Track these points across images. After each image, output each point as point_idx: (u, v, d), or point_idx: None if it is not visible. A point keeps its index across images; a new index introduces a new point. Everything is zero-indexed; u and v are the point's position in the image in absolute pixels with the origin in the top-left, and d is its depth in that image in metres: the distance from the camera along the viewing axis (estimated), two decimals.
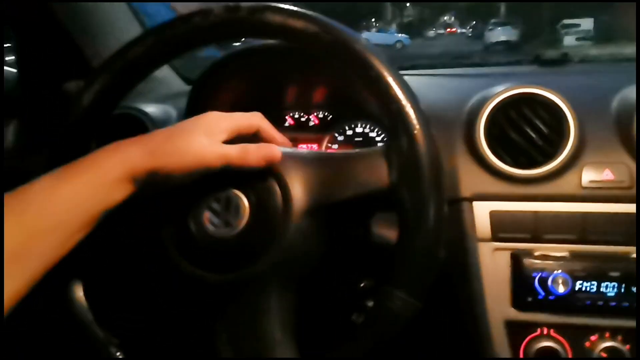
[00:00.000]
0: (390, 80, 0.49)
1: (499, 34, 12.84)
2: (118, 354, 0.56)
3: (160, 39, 0.55)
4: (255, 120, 0.57)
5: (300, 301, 0.57)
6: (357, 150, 0.55)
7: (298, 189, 0.52)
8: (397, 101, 0.49)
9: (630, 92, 0.76)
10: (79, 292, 0.57)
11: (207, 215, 0.52)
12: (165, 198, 0.54)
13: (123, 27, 0.93)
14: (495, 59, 1.17)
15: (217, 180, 0.53)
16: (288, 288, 0.54)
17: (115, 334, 0.57)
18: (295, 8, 0.51)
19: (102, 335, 0.57)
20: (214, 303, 0.55)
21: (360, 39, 0.51)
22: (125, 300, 0.64)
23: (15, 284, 0.42)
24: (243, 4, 0.52)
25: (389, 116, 0.50)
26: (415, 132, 0.49)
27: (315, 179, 0.53)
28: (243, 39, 0.65)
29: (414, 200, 0.49)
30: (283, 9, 0.51)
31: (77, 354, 0.59)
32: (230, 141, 0.53)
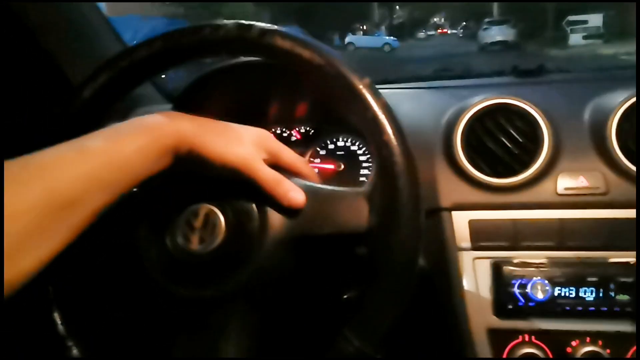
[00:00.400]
0: (385, 124, 0.50)
1: (495, 34, 12.02)
2: (75, 351, 0.56)
3: (167, 45, 0.55)
4: (297, 161, 0.59)
5: (276, 317, 0.57)
6: (342, 189, 0.56)
7: (276, 218, 0.53)
8: (388, 148, 0.49)
9: (603, 100, 0.78)
10: (48, 289, 0.56)
11: (183, 228, 0.53)
12: (145, 204, 0.54)
13: (104, 46, 0.93)
14: (475, 70, 1.19)
15: (198, 194, 0.53)
16: (253, 309, 0.54)
17: (77, 333, 0.57)
18: (303, 37, 0.52)
19: (64, 332, 0.56)
20: (178, 316, 0.55)
21: (363, 78, 0.51)
22: (91, 299, 0.64)
23: (63, 233, 0.41)
24: (256, 24, 0.52)
25: (378, 158, 0.50)
26: (402, 184, 0.49)
27: (296, 210, 0.54)
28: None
29: (388, 250, 0.49)
30: (291, 35, 0.52)
31: (34, 349, 0.58)
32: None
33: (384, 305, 0.49)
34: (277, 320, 0.63)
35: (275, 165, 0.55)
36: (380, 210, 0.51)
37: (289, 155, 0.57)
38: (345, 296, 0.77)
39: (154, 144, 0.46)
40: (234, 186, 0.53)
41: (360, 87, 0.51)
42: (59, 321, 0.56)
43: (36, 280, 0.55)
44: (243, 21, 0.53)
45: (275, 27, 0.53)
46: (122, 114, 0.90)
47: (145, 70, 0.57)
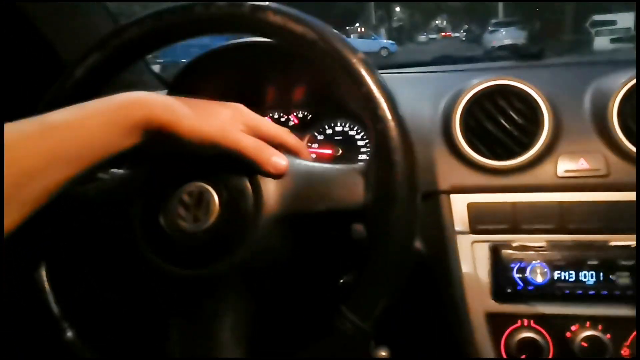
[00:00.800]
0: (380, 99, 0.49)
1: (503, 37, 11.08)
2: (69, 333, 0.55)
3: (158, 24, 0.54)
4: (279, 131, 0.57)
5: (272, 300, 0.56)
6: (337, 165, 0.55)
7: (271, 195, 0.52)
8: (383, 122, 0.49)
9: (604, 82, 0.76)
10: (41, 270, 0.56)
11: (177, 207, 0.52)
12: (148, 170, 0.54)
13: (98, 25, 0.92)
14: (474, 55, 1.18)
15: (192, 173, 0.53)
16: (248, 291, 0.54)
17: (71, 314, 0.56)
18: (296, 12, 0.51)
19: (57, 313, 0.56)
20: (172, 297, 0.54)
21: (357, 53, 0.50)
22: (85, 280, 0.64)
23: (23, 204, 0.41)
24: (248, 1, 0.52)
25: (374, 134, 0.50)
26: (397, 158, 0.48)
27: (290, 188, 0.53)
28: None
29: (383, 227, 0.48)
30: (284, 11, 0.51)
31: (28, 331, 0.58)
32: None
33: (380, 282, 0.48)
34: (272, 302, 0.62)
35: (256, 137, 0.54)
36: (376, 185, 0.50)
37: (268, 126, 0.56)
38: (341, 280, 0.76)
39: (119, 120, 0.46)
40: (228, 164, 0.53)
41: (355, 61, 0.50)
42: (53, 303, 0.56)
43: (31, 263, 0.55)
44: None
45: (267, 3, 0.52)
46: None
47: (136, 50, 0.56)
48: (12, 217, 0.41)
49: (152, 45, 0.57)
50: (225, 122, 0.51)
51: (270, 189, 0.52)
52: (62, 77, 0.56)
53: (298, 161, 0.56)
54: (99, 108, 0.46)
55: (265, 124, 0.56)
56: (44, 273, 0.56)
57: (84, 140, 0.44)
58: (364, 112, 0.50)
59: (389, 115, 0.48)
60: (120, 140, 0.46)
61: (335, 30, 0.52)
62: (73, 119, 0.44)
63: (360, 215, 0.51)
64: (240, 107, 0.55)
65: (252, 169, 0.52)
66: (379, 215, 0.48)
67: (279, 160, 0.52)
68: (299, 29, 0.50)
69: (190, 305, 0.53)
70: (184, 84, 0.90)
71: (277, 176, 0.52)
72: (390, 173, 0.48)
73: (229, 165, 0.53)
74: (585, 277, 0.70)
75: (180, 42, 0.57)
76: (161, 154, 0.53)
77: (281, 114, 0.99)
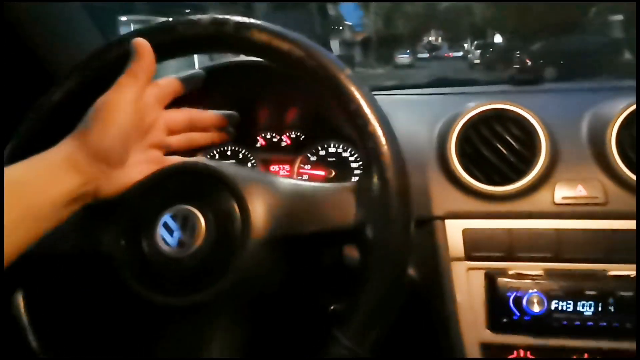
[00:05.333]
0: (369, 116, 0.48)
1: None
2: None
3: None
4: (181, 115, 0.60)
5: (260, 327, 0.54)
6: (327, 185, 0.53)
7: (259, 217, 0.50)
8: (374, 139, 0.48)
9: (602, 108, 0.76)
10: (19, 299, 0.54)
11: (160, 231, 0.50)
12: (119, 206, 0.52)
13: (85, 38, 0.91)
14: (471, 79, 1.18)
15: (176, 195, 0.51)
16: (236, 318, 0.52)
17: (51, 344, 0.54)
18: (281, 29, 0.51)
19: (35, 345, 0.53)
20: (156, 324, 0.52)
21: (344, 69, 0.49)
22: (66, 310, 0.61)
23: None
24: (231, 18, 0.51)
25: (365, 153, 0.49)
26: (389, 175, 0.47)
27: (280, 209, 0.51)
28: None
29: (375, 251, 0.47)
30: (269, 28, 0.50)
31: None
32: None
33: (375, 304, 0.46)
34: (262, 327, 0.59)
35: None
36: (367, 203, 0.48)
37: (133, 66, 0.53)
38: (332, 307, 0.74)
39: (47, 166, 0.47)
40: (213, 185, 0.51)
41: (342, 77, 0.49)
42: (31, 335, 0.54)
43: (7, 293, 0.53)
44: (218, 15, 0.51)
45: (252, 20, 0.51)
46: None
47: (118, 71, 0.54)
48: None
49: None
50: (108, 99, 0.51)
51: (259, 210, 0.50)
52: (41, 100, 0.55)
53: (287, 181, 0.54)
54: (29, 161, 0.47)
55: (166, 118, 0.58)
56: (21, 304, 0.54)
57: (29, 192, 0.45)
58: (354, 129, 0.49)
59: (379, 132, 0.48)
60: (57, 185, 0.47)
61: (321, 47, 0.51)
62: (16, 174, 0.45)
63: (352, 235, 0.49)
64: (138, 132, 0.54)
65: (238, 189, 0.50)
66: (372, 234, 0.47)
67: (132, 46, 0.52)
68: (284, 46, 0.50)
69: (176, 332, 0.50)
70: (175, 104, 0.88)
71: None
72: (383, 190, 0.47)
73: (215, 187, 0.51)
74: (583, 307, 0.68)
75: (164, 61, 0.56)
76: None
77: (274, 135, 0.98)
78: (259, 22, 0.51)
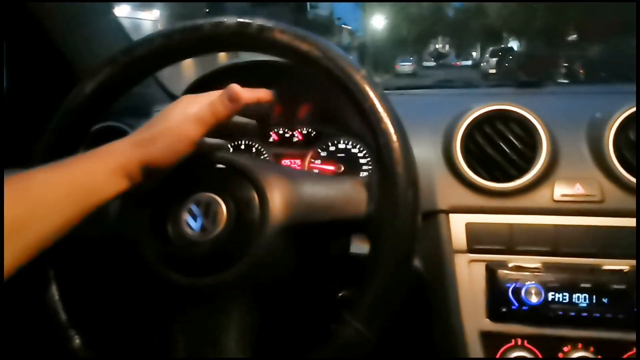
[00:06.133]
0: (382, 114, 0.51)
1: None
2: (77, 339, 0.56)
3: (168, 42, 0.56)
4: (227, 97, 0.57)
5: (272, 312, 0.57)
6: (340, 177, 0.57)
7: (277, 205, 0.54)
8: (386, 135, 0.50)
9: (602, 111, 0.78)
10: (50, 279, 0.57)
11: (185, 217, 0.54)
12: (150, 194, 0.55)
13: (111, 41, 0.95)
14: (476, 81, 1.21)
15: (200, 183, 0.54)
16: (252, 301, 0.55)
17: (78, 322, 0.57)
18: (302, 30, 0.53)
19: (65, 320, 0.56)
20: (177, 305, 0.55)
21: (360, 70, 0.52)
22: (91, 288, 0.64)
23: (10, 257, 0.42)
24: (256, 20, 0.54)
25: (376, 148, 0.51)
26: (399, 171, 0.50)
27: (296, 198, 0.55)
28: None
29: (385, 239, 0.50)
30: (290, 30, 0.53)
31: (34, 338, 0.58)
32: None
33: (384, 290, 0.49)
34: (275, 313, 0.63)
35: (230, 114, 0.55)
36: (378, 197, 0.52)
37: (221, 108, 0.54)
38: (340, 294, 0.78)
39: (100, 170, 0.48)
40: (235, 175, 0.54)
41: (358, 78, 0.52)
42: (61, 311, 0.56)
43: (39, 274, 0.56)
44: (243, 19, 0.54)
45: (274, 22, 0.54)
46: (130, 112, 0.92)
47: (146, 67, 0.58)
48: (8, 263, 0.42)
49: (162, 63, 0.59)
50: (179, 119, 0.53)
51: (277, 199, 0.54)
52: (72, 92, 0.57)
53: (303, 173, 0.57)
54: (75, 163, 0.48)
55: (210, 97, 0.56)
56: (53, 282, 0.57)
57: (67, 192, 0.46)
58: (367, 126, 0.52)
59: (391, 129, 0.50)
60: (103, 190, 0.48)
61: (339, 48, 0.54)
62: (54, 171, 0.47)
63: (362, 225, 0.53)
64: (184, 99, 0.56)
65: (258, 180, 0.53)
66: (381, 225, 0.50)
67: (230, 94, 0.53)
68: (304, 46, 0.53)
69: (195, 313, 0.54)
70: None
71: (236, 104, 0.54)
72: (393, 185, 0.50)
73: (236, 176, 0.54)
74: (578, 299, 0.71)
75: (190, 58, 0.59)
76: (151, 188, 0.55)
77: (285, 130, 1.02)
78: (280, 23, 0.54)
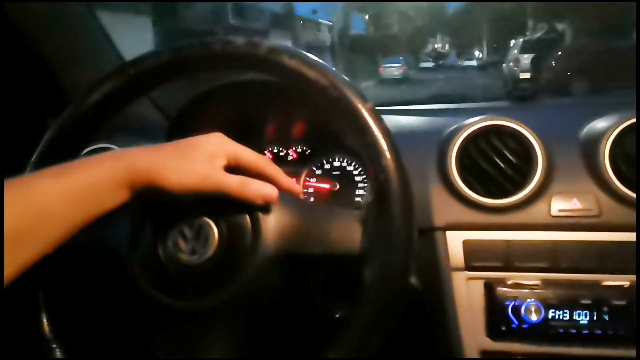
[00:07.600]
0: (384, 150, 0.50)
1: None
2: (57, 352, 0.55)
3: (176, 57, 0.56)
4: (259, 160, 0.57)
5: (263, 335, 0.56)
6: (336, 210, 0.56)
7: (269, 233, 0.53)
8: (386, 172, 0.50)
9: (597, 124, 0.78)
10: (37, 289, 0.56)
11: (176, 239, 0.53)
12: (144, 212, 0.54)
13: (102, 59, 0.94)
14: (470, 95, 1.20)
15: (193, 205, 0.53)
16: (239, 326, 0.54)
17: (61, 335, 0.56)
18: (311, 56, 0.53)
19: (49, 333, 0.55)
20: (159, 324, 0.54)
21: (366, 102, 0.52)
22: (78, 304, 0.63)
23: (10, 265, 0.41)
24: (265, 42, 0.53)
25: (375, 182, 0.51)
26: (397, 209, 0.49)
27: (290, 227, 0.54)
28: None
29: (377, 278, 0.49)
30: (299, 55, 0.53)
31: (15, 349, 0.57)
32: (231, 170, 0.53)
33: (370, 330, 0.48)
34: (264, 337, 0.62)
35: (237, 167, 0.54)
36: (373, 235, 0.51)
37: (247, 155, 0.55)
38: (337, 315, 0.76)
39: (106, 180, 0.47)
40: (228, 199, 0.54)
41: (363, 111, 0.51)
42: (46, 322, 0.55)
43: (25, 285, 0.55)
44: (252, 39, 0.54)
45: (283, 45, 0.54)
46: (121, 131, 0.91)
47: (152, 81, 0.58)
48: (6, 274, 0.41)
49: (167, 78, 0.58)
50: (206, 164, 0.51)
51: (270, 226, 0.53)
52: (76, 101, 0.57)
53: (299, 201, 0.57)
54: (85, 168, 0.47)
55: (244, 152, 0.55)
56: (37, 291, 0.56)
57: (71, 201, 0.45)
58: (368, 160, 0.51)
59: (392, 166, 0.49)
60: (109, 199, 0.48)
61: (346, 78, 0.53)
62: (62, 180, 0.45)
63: (356, 261, 0.52)
64: (218, 140, 0.55)
65: (251, 204, 0.53)
66: (374, 263, 0.49)
67: (267, 191, 0.52)
68: (312, 74, 0.52)
69: (176, 334, 0.53)
70: (185, 118, 0.91)
71: (268, 206, 0.53)
72: (389, 224, 0.49)
73: (229, 201, 0.54)
74: (579, 316, 0.70)
75: (196, 74, 0.58)
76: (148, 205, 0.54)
77: (280, 149, 1.01)
78: (290, 47, 0.53)
